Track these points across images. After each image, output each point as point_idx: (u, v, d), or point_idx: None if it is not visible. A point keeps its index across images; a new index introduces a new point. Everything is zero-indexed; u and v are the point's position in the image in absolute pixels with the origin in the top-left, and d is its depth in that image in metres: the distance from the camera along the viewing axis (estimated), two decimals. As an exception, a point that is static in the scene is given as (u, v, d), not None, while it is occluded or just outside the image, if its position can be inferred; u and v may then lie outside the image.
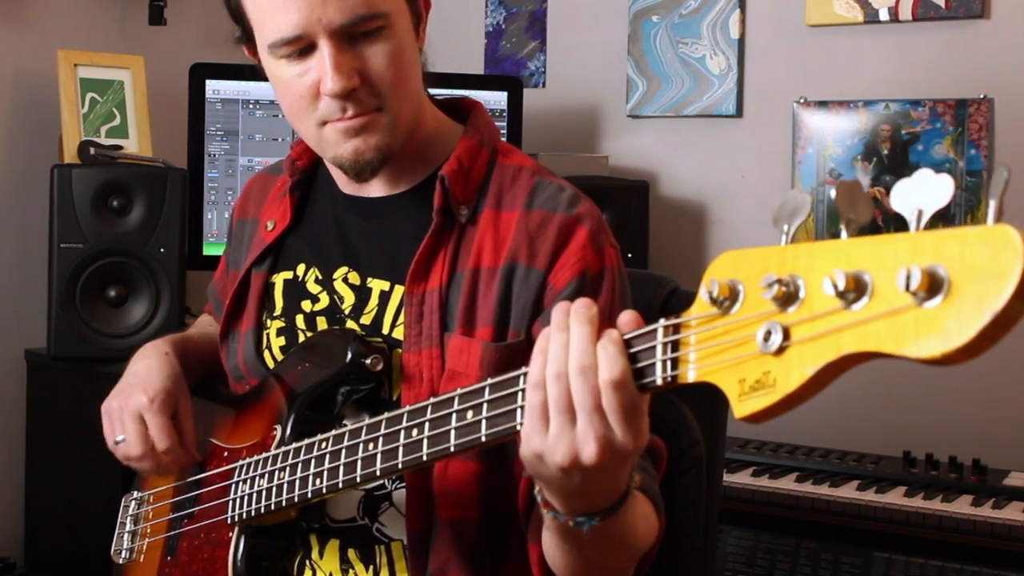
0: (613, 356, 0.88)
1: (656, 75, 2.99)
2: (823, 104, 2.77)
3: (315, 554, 1.31)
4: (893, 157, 2.69)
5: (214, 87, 2.64)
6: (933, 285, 0.67)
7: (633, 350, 0.88)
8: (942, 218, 2.71)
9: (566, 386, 0.90)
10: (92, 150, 2.48)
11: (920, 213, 0.71)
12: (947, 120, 2.63)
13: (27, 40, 2.64)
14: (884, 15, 2.68)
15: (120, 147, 2.54)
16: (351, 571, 1.29)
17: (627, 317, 0.91)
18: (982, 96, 2.60)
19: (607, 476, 0.95)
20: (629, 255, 2.63)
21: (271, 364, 1.37)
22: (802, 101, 2.80)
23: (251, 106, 2.66)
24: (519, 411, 0.96)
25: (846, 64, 2.76)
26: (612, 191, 2.71)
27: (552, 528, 1.06)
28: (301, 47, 1.21)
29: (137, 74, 2.61)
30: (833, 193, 0.78)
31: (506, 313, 1.24)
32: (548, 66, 3.17)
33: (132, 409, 1.33)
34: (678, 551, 1.34)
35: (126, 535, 1.49)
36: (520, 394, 0.96)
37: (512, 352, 1.22)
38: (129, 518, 1.49)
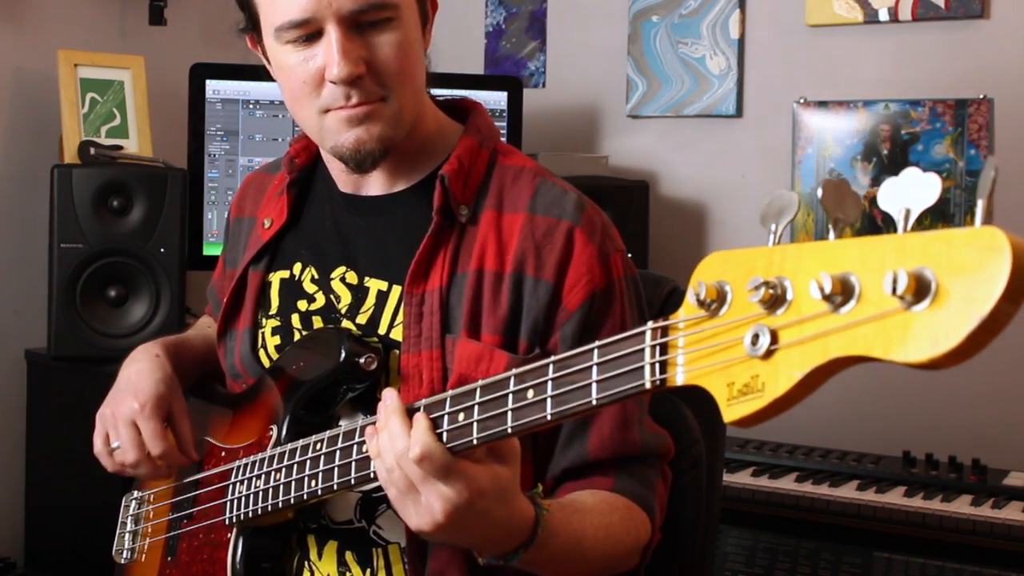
0: (418, 436, 1.00)
1: (656, 75, 2.99)
2: (823, 104, 2.77)
3: (313, 555, 1.31)
4: (893, 157, 2.69)
5: (214, 87, 2.63)
6: (920, 288, 0.65)
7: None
8: (942, 218, 2.68)
9: (402, 472, 1.02)
10: (92, 150, 2.47)
11: (908, 212, 0.69)
12: (947, 120, 2.63)
13: (27, 40, 2.64)
14: (884, 15, 2.68)
15: (120, 147, 2.54)
16: (348, 574, 1.29)
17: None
18: (982, 96, 2.59)
19: (488, 520, 1.03)
20: (629, 255, 2.62)
21: (266, 363, 1.37)
22: (802, 101, 2.79)
23: (251, 106, 2.66)
24: (510, 414, 0.97)
25: (846, 64, 2.76)
26: (612, 191, 2.71)
27: None
28: (308, 32, 1.21)
29: (137, 74, 2.61)
30: (820, 192, 0.76)
31: (516, 323, 1.25)
32: (548, 66, 3.17)
33: (124, 416, 1.33)
34: (678, 551, 1.34)
35: (127, 535, 1.49)
36: (511, 396, 0.97)
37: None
38: (130, 518, 1.49)
